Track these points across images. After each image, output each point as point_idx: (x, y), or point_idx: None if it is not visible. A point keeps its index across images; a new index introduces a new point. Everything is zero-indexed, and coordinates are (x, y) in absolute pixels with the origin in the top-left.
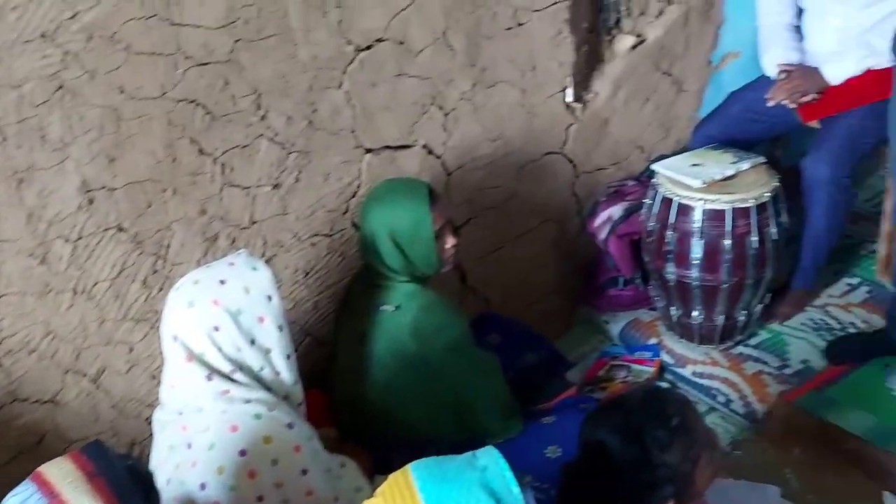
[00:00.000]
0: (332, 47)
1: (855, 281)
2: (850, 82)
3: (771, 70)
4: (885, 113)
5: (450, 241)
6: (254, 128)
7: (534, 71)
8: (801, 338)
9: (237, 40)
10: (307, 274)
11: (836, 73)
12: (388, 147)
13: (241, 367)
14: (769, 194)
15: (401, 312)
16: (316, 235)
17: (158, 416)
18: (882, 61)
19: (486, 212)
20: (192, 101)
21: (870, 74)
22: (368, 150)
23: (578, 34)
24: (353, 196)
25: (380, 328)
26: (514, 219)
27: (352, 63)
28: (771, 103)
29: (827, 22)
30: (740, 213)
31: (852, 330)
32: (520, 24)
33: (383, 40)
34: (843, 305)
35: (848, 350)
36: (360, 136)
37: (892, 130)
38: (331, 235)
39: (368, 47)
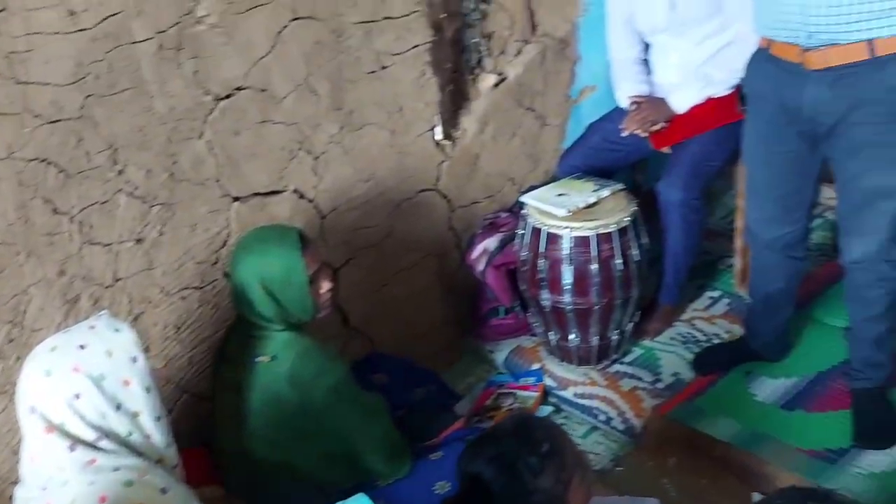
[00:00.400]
0: (189, 98)
1: (716, 294)
2: (693, 110)
3: (624, 102)
4: (727, 137)
5: (325, 286)
6: (112, 183)
7: (401, 112)
8: (670, 352)
9: (88, 96)
10: (179, 329)
11: (680, 102)
12: (257, 194)
13: (108, 434)
14: (629, 219)
15: (277, 363)
16: (186, 289)
17: (20, 494)
18: (720, 90)
19: (365, 251)
20: (43, 160)
21: (710, 102)
22: (236, 199)
23: (442, 75)
24: (223, 246)
25: (257, 380)
26: (393, 257)
27: (212, 113)
28: (625, 133)
29: (669, 57)
30: (604, 238)
31: (716, 341)
32: (383, 68)
33: (243, 88)
34: (707, 318)
35: (713, 360)
36: (226, 185)
37: (745, 153)
38: (202, 287)
39: (228, 96)
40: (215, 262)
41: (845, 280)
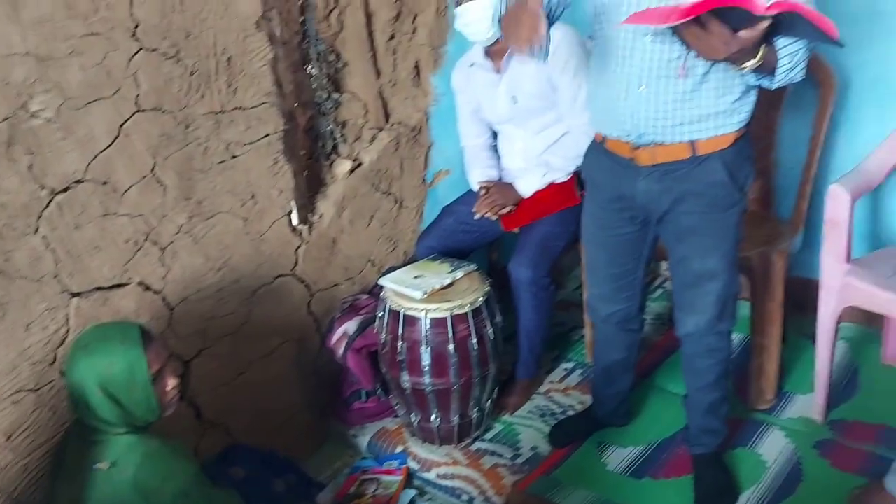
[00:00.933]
0: (24, 193)
1: (570, 365)
2: (538, 195)
3: (475, 186)
4: (569, 219)
5: (170, 383)
6: None
7: (254, 199)
8: (528, 426)
9: None
10: (10, 437)
11: (526, 187)
12: (99, 288)
13: None
14: (482, 299)
15: (118, 469)
16: (19, 391)
17: None
18: (560, 176)
19: (220, 340)
20: None
21: (552, 187)
22: (76, 294)
23: (296, 162)
24: (61, 344)
25: (96, 491)
26: (251, 344)
27: (48, 207)
28: (477, 216)
29: (514, 144)
30: (459, 319)
31: (571, 412)
32: (234, 157)
33: (83, 181)
34: (563, 389)
35: (567, 432)
36: (65, 281)
37: (584, 235)
38: (37, 390)
39: (66, 189)
40: (53, 362)
41: (680, 351)
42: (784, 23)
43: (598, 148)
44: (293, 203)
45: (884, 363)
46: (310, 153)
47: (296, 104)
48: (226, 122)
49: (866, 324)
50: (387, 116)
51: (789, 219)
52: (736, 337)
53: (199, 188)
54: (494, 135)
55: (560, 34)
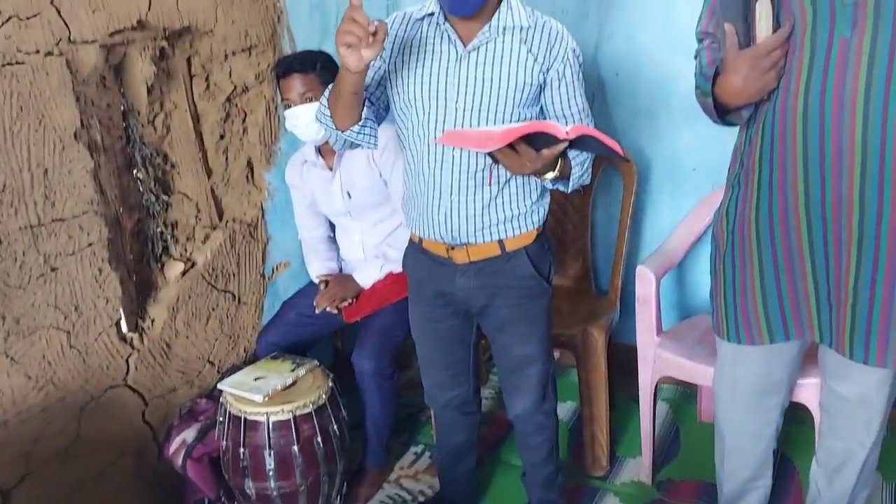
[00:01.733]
0: None
1: (419, 448)
2: (376, 285)
3: (315, 279)
4: (408, 308)
5: None
6: None
7: (78, 311)
8: None
9: None
10: None
11: (364, 278)
12: None
13: None
14: (325, 396)
15: None
16: None
17: None
18: (396, 266)
19: (48, 462)
20: None
21: (390, 277)
22: None
23: (123, 268)
24: None
25: None
26: (82, 462)
27: None
28: (317, 311)
29: (352, 236)
30: (303, 419)
31: (421, 498)
32: (54, 270)
33: None
34: (413, 475)
35: None
36: None
37: (413, 329)
38: None
39: None
40: None
41: (514, 430)
42: (578, 141)
43: (416, 248)
44: (121, 311)
45: (700, 421)
46: (139, 257)
47: (121, 209)
48: (44, 234)
49: (684, 384)
50: (220, 214)
51: (607, 294)
52: (570, 407)
53: (17, 305)
54: (332, 226)
55: (388, 134)
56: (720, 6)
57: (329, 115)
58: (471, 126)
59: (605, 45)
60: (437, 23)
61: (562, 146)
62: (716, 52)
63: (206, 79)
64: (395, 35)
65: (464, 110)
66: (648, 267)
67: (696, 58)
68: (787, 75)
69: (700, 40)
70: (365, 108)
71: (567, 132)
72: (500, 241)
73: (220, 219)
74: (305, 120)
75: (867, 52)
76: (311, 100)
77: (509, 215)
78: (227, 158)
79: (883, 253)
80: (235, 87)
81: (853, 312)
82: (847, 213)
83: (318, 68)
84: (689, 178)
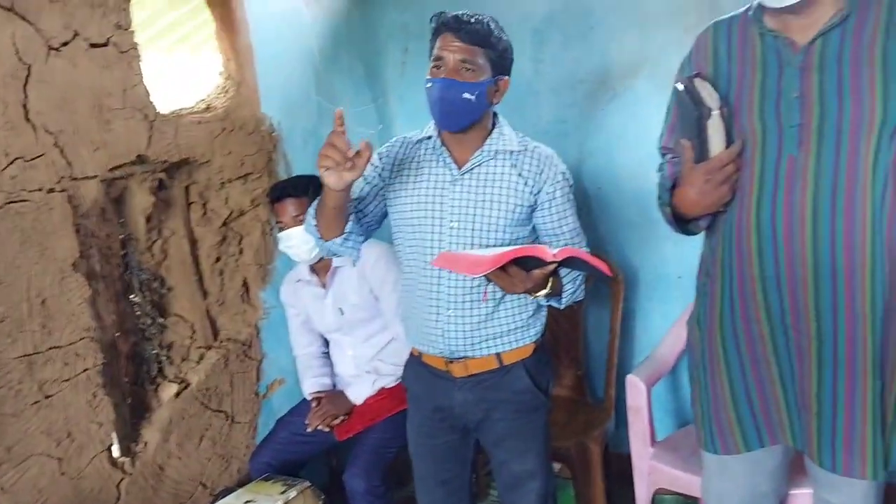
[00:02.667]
0: None
1: None
2: (369, 401)
3: (308, 396)
4: (401, 423)
5: None
6: None
7: (71, 437)
8: None
9: None
10: None
11: (357, 394)
12: None
13: None
14: None
15: None
16: None
17: None
18: (389, 381)
19: None
20: None
21: (383, 393)
22: None
23: (118, 392)
24: None
25: None
26: None
27: None
28: (309, 429)
29: (344, 352)
30: None
31: None
32: (48, 397)
33: None
34: None
35: None
36: None
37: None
38: None
39: None
40: None
41: None
42: (567, 261)
43: (416, 362)
44: (114, 436)
45: None
46: (134, 380)
47: (117, 334)
48: (40, 362)
49: (683, 495)
50: (215, 334)
51: (602, 404)
52: None
53: (10, 433)
54: (326, 342)
55: (378, 251)
56: (678, 123)
57: (315, 224)
58: (465, 244)
59: (586, 162)
60: (434, 146)
61: (550, 268)
62: (677, 165)
63: (204, 205)
64: (395, 157)
65: (458, 230)
66: (639, 376)
67: (659, 171)
68: (740, 190)
69: (663, 155)
70: (350, 223)
71: (554, 255)
72: (498, 355)
73: (216, 338)
74: (298, 241)
75: (813, 169)
76: (303, 222)
77: (506, 329)
78: (222, 280)
79: (842, 362)
80: (232, 212)
81: (818, 420)
82: (805, 322)
83: (311, 192)
84: (675, 285)
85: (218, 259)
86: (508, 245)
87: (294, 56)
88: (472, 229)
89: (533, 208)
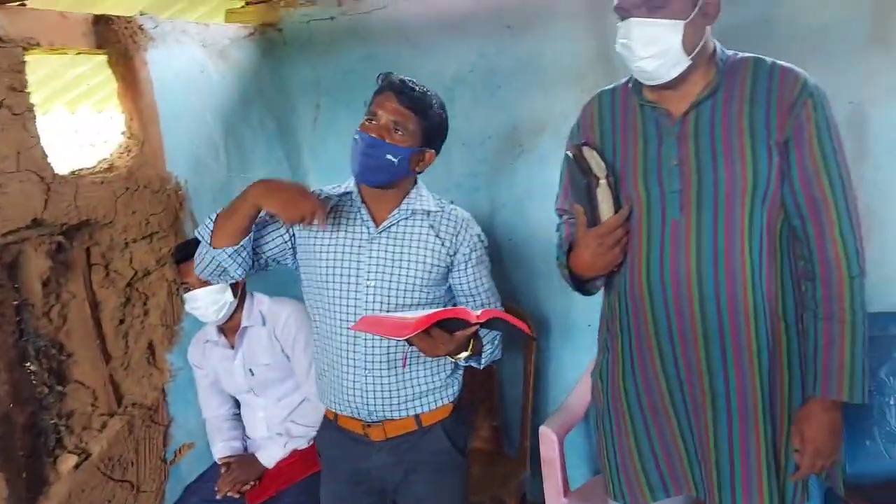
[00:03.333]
0: None
1: None
2: (280, 464)
3: (218, 460)
4: (314, 485)
5: None
6: None
7: None
8: None
9: None
10: None
11: (268, 457)
12: None
13: None
14: None
15: None
16: None
17: None
18: (301, 443)
19: None
20: None
21: (295, 455)
22: None
23: (13, 466)
24: None
25: None
26: None
27: None
28: (219, 496)
29: (255, 413)
30: None
31: None
32: None
33: None
34: None
35: None
36: None
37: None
38: None
39: None
40: None
41: None
42: (488, 321)
43: (330, 425)
44: None
45: None
46: (30, 452)
47: (12, 405)
48: None
49: None
50: (119, 400)
51: (518, 455)
52: None
53: None
54: (237, 403)
55: (289, 309)
56: (570, 188)
57: (211, 228)
58: (382, 304)
59: (498, 214)
60: (352, 201)
61: (473, 329)
62: (573, 226)
63: (106, 267)
64: None
65: (375, 288)
66: (550, 427)
67: (557, 231)
68: (630, 252)
69: (560, 216)
70: (247, 240)
71: (478, 316)
72: (417, 416)
73: (119, 404)
74: (205, 302)
75: (694, 232)
76: (210, 282)
77: (425, 389)
78: (126, 343)
79: (735, 413)
80: (136, 273)
81: (717, 469)
82: (698, 376)
83: None
84: (585, 334)
85: (122, 321)
86: (426, 305)
87: (201, 113)
88: (390, 289)
89: (449, 269)
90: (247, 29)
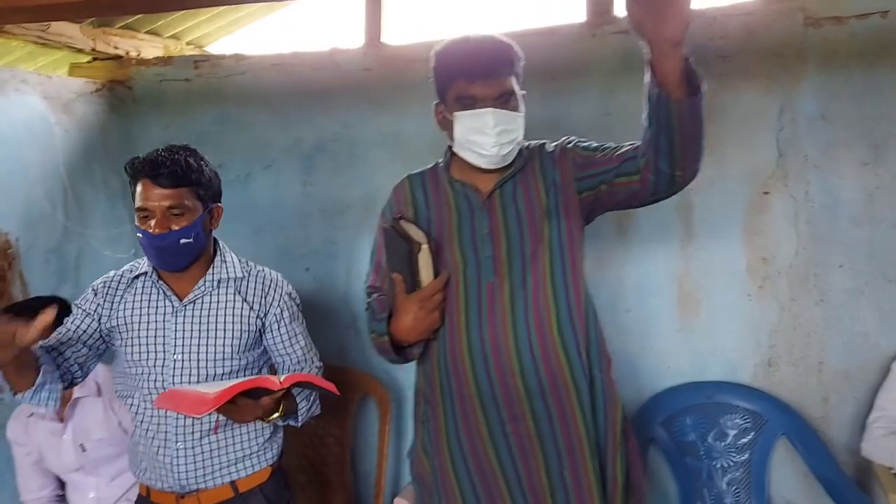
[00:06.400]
0: None
1: None
2: None
3: None
4: None
5: None
6: None
7: None
8: None
9: None
10: None
11: None
12: None
13: None
14: None
15: None
16: None
17: None
18: None
19: None
20: None
21: None
22: None
23: None
24: None
25: None
26: None
27: None
28: None
29: (85, 494)
30: None
31: None
32: None
33: None
34: None
35: None
36: None
37: None
38: None
39: None
40: None
41: None
42: (297, 383)
43: (144, 502)
44: None
45: None
46: None
47: None
48: None
49: None
50: None
51: None
52: None
53: None
54: (62, 484)
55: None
56: (387, 260)
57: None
58: (192, 376)
59: (354, 283)
60: (152, 282)
61: (278, 395)
62: (384, 301)
63: None
64: (112, 292)
65: (182, 361)
66: (405, 498)
67: (367, 310)
68: (449, 316)
69: (369, 294)
70: (44, 373)
71: (281, 382)
72: (233, 483)
73: None
74: None
75: (508, 291)
76: None
77: (241, 455)
78: None
79: (563, 451)
80: None
81: None
82: (523, 424)
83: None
84: None
85: None
86: (239, 371)
87: (38, 168)
88: (199, 360)
89: (261, 331)
90: (94, 84)
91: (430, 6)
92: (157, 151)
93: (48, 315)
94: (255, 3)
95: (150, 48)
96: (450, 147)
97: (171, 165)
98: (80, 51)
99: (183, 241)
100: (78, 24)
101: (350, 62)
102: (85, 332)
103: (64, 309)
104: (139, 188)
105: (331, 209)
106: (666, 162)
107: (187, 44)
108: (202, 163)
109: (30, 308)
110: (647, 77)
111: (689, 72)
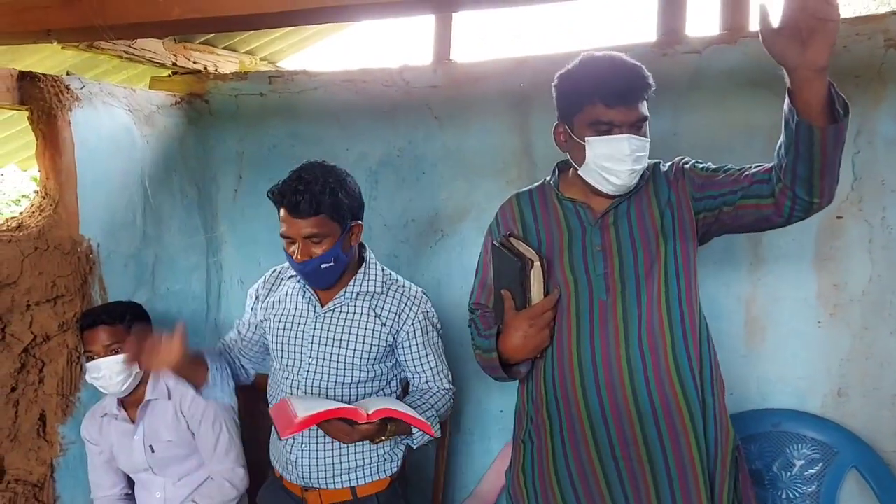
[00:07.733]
0: None
1: None
2: None
3: None
4: None
5: None
6: None
7: None
8: None
9: None
10: None
11: None
12: None
13: None
14: None
15: None
16: None
17: None
18: None
19: None
20: None
21: None
22: None
23: None
24: None
25: None
26: None
27: None
28: None
29: (152, 493)
30: None
31: None
32: None
33: None
34: None
35: None
36: None
37: None
38: None
39: None
40: None
41: None
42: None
43: (277, 484)
44: None
45: None
46: None
47: None
48: None
49: None
50: (1, 474)
51: None
52: None
53: None
54: (131, 482)
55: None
56: (495, 276)
57: None
58: (323, 379)
59: None
60: (301, 284)
61: (362, 426)
62: (489, 318)
63: (3, 329)
64: (267, 287)
65: (316, 366)
66: None
67: (470, 326)
68: (559, 334)
69: (473, 310)
70: (213, 371)
71: (369, 415)
72: (353, 488)
73: (1, 480)
74: (109, 372)
75: (620, 310)
76: (116, 352)
77: (361, 463)
78: (16, 411)
79: (675, 478)
80: (35, 337)
81: None
82: (635, 450)
83: (127, 319)
84: (496, 420)
85: (14, 388)
86: (367, 381)
87: (121, 177)
88: (330, 366)
89: (393, 347)
90: (173, 97)
91: (499, 24)
92: (294, 177)
93: (181, 328)
94: (323, 23)
95: (227, 63)
96: (558, 165)
97: (307, 193)
98: (161, 65)
99: (324, 265)
100: (160, 40)
101: (418, 79)
102: (248, 328)
103: (140, 313)
104: (281, 213)
105: (394, 223)
106: (804, 189)
107: (261, 59)
108: (340, 182)
109: (107, 313)
110: (786, 105)
111: (832, 97)
